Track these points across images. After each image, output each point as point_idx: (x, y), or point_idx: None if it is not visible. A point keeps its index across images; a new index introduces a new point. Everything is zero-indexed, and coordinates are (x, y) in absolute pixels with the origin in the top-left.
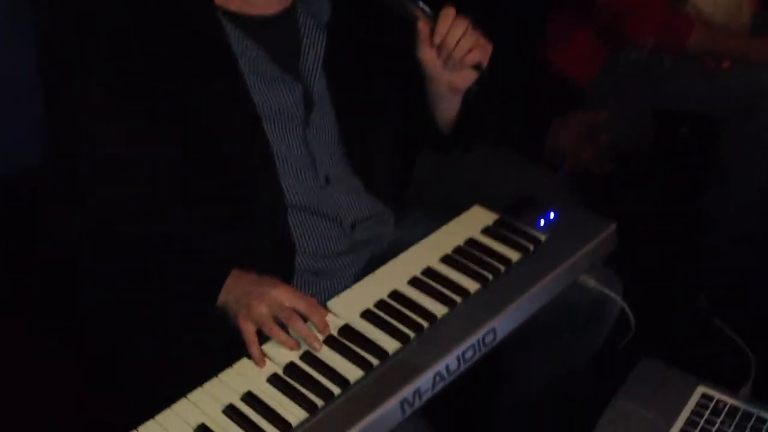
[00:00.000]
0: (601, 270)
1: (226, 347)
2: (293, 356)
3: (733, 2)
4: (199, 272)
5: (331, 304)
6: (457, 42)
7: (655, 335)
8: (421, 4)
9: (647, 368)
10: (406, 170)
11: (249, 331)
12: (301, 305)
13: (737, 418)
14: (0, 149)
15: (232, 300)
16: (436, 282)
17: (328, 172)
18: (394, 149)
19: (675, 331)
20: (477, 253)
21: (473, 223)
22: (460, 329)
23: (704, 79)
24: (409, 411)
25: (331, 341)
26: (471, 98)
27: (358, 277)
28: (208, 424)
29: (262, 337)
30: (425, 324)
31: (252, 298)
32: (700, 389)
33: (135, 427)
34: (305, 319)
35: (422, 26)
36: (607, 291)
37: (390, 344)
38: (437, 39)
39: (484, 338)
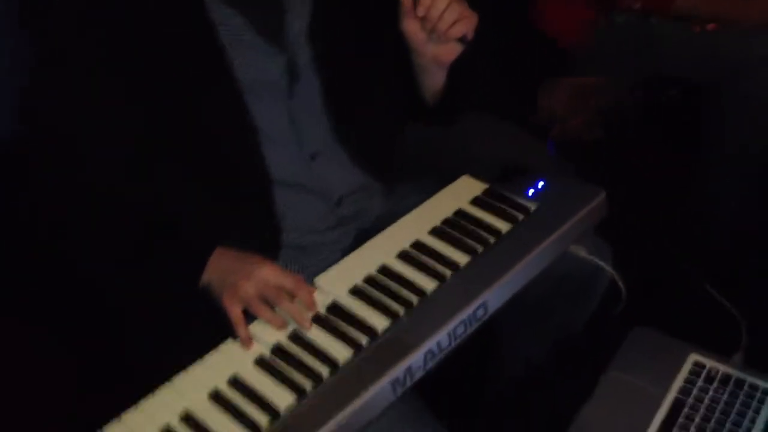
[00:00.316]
0: (591, 238)
1: (210, 328)
2: (280, 336)
3: None
4: (182, 250)
5: (318, 280)
6: (441, 14)
7: (647, 303)
8: None
9: (640, 336)
10: (394, 143)
11: (235, 311)
12: (288, 283)
13: (730, 385)
14: None
15: (216, 279)
16: (426, 255)
17: (314, 146)
18: (381, 121)
19: (667, 299)
20: (466, 224)
21: (462, 193)
22: (451, 305)
23: (691, 43)
24: (400, 391)
25: (319, 320)
26: (458, 70)
27: (345, 253)
28: (193, 410)
29: (248, 318)
30: (415, 300)
31: (237, 277)
32: (693, 356)
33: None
34: (292, 297)
35: None
36: (597, 261)
37: (379, 322)
38: (421, 11)
39: (475, 313)
